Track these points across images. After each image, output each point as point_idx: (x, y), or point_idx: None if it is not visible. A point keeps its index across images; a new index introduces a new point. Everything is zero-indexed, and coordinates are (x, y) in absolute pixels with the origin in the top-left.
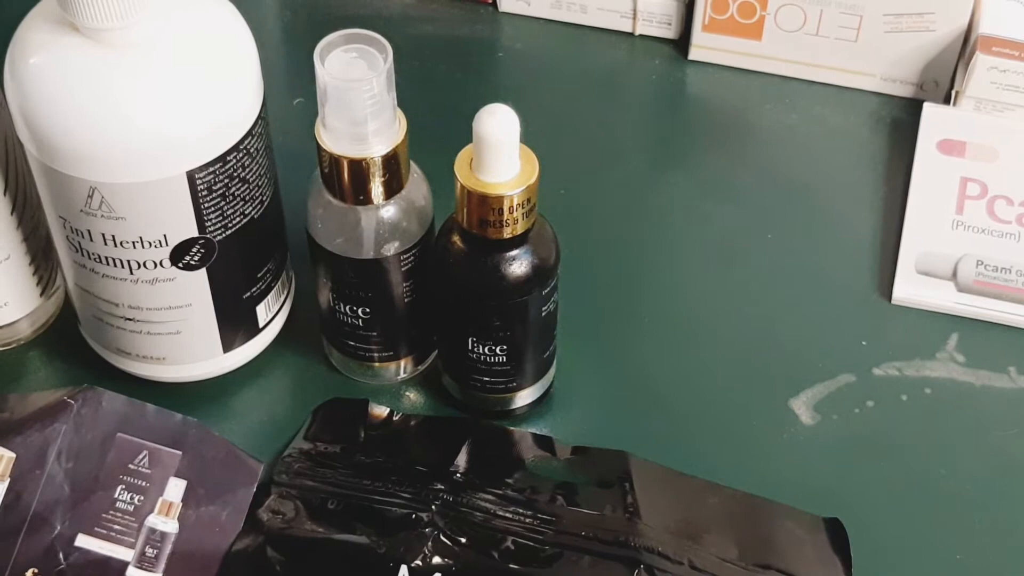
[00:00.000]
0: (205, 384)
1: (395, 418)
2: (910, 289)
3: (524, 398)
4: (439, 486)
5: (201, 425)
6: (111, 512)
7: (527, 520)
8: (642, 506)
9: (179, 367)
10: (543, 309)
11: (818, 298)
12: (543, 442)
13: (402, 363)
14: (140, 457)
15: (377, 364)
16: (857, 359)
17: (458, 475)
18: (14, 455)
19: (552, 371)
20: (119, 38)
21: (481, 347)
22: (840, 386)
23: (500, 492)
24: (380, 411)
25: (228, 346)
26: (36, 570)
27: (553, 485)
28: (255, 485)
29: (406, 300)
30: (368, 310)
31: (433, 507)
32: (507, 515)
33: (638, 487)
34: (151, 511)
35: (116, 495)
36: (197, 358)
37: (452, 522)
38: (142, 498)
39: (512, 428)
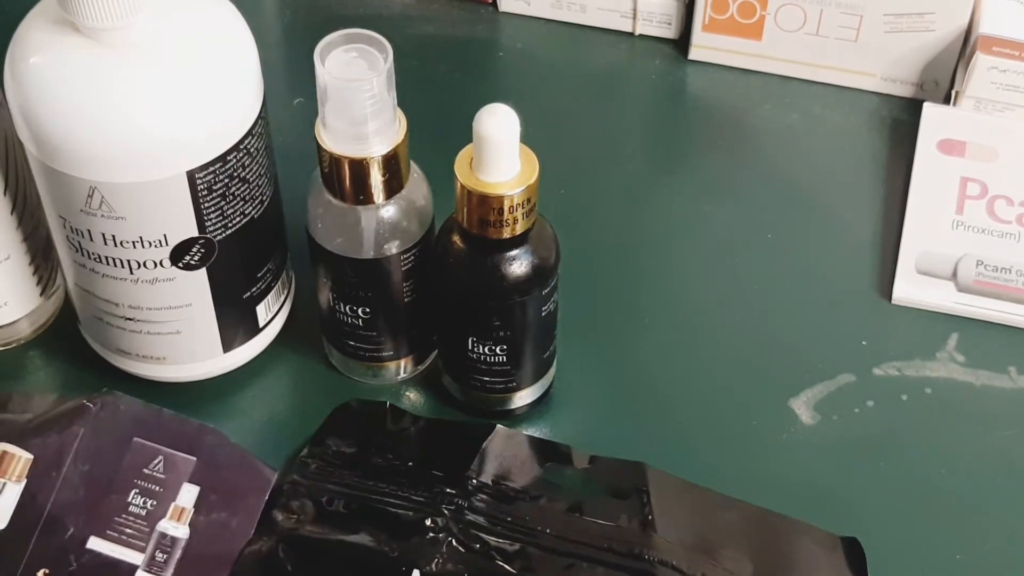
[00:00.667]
0: (205, 384)
1: (411, 422)
2: (910, 289)
3: (524, 398)
4: (453, 491)
5: (217, 431)
6: (123, 515)
7: (540, 528)
8: (658, 519)
9: (179, 367)
10: (543, 309)
11: (818, 298)
12: (559, 451)
13: (402, 363)
14: (155, 462)
15: (377, 364)
16: (857, 359)
17: (473, 481)
18: (32, 456)
19: (552, 371)
20: (119, 38)
21: (481, 347)
22: (840, 386)
23: (515, 499)
24: (396, 414)
25: (228, 346)
26: (47, 571)
27: (569, 494)
28: (267, 492)
29: (406, 300)
30: (368, 310)
31: (447, 512)
32: (521, 523)
33: (654, 499)
34: (163, 516)
35: (129, 499)
36: (197, 358)
37: (465, 528)
38: (155, 503)
39: (529, 435)
